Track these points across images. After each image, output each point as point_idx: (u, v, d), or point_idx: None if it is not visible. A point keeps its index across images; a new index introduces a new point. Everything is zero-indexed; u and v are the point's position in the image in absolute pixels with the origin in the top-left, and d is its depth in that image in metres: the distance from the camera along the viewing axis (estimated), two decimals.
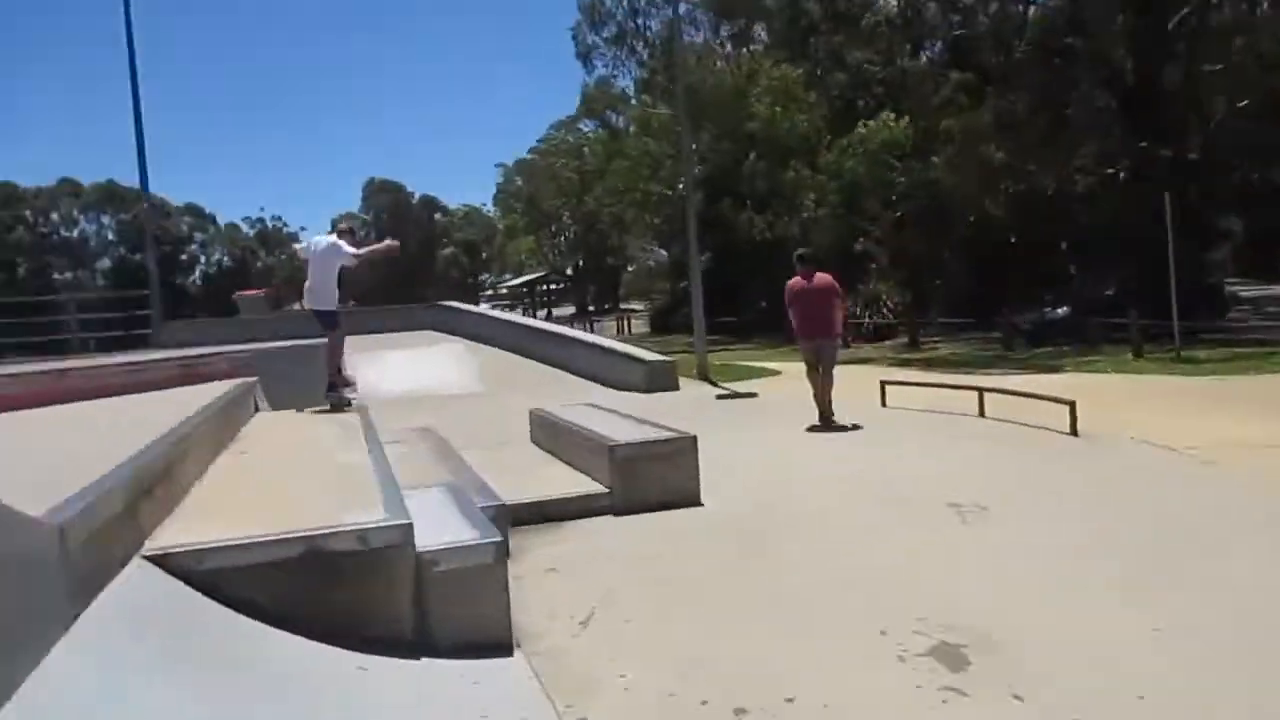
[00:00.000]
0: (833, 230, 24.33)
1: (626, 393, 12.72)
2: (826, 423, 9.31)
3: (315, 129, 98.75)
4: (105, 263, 76.66)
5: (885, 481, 6.72)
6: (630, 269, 65.54)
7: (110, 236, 76.73)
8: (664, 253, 44.35)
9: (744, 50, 37.42)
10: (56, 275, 74.26)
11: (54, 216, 77.42)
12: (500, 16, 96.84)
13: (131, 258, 73.15)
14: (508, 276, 71.21)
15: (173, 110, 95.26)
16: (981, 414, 9.37)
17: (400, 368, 13.95)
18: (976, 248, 23.71)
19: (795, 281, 9.79)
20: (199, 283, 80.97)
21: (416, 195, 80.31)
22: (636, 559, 5.15)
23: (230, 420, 6.80)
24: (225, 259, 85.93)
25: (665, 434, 6.36)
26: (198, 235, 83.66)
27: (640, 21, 42.40)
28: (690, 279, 15.57)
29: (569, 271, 61.53)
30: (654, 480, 6.14)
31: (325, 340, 9.78)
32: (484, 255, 79.00)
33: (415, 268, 73.28)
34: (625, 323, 42.15)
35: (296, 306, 9.42)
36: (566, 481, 6.53)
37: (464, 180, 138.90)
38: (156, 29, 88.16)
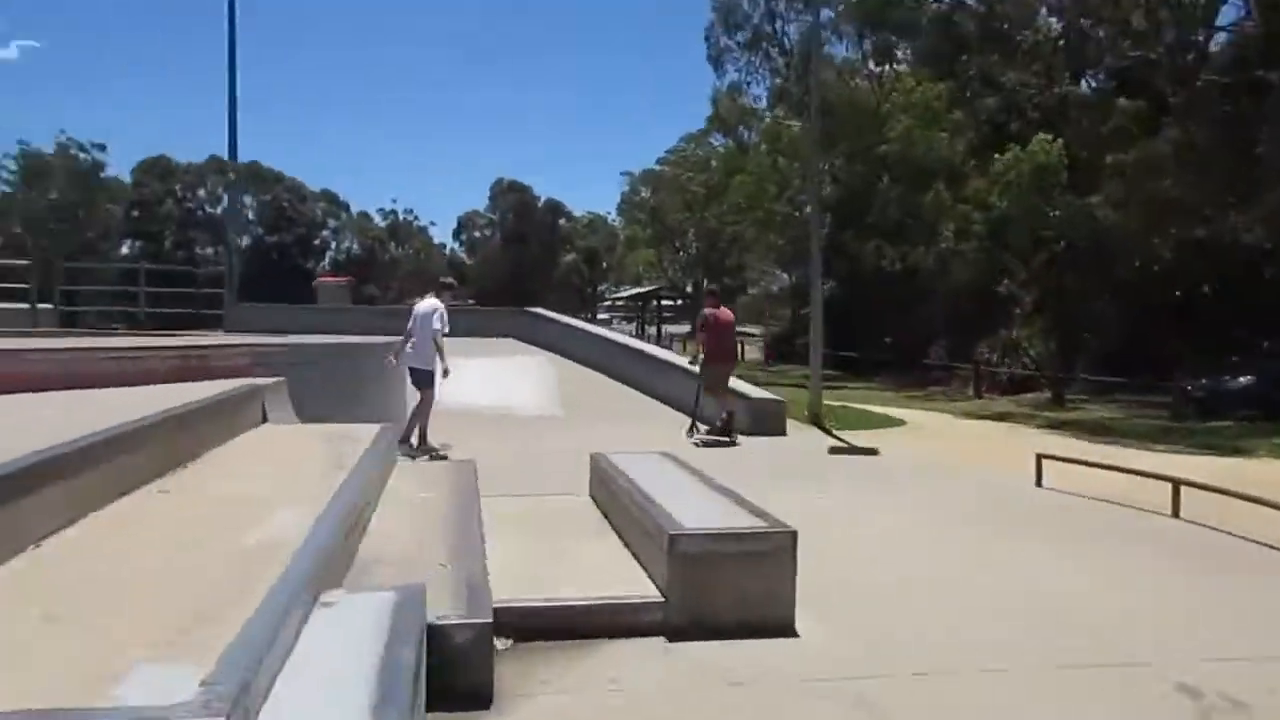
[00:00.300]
0: (974, 265, 21.88)
1: (701, 427, 10.84)
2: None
3: (448, 126, 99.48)
4: (246, 240, 78.79)
5: (1064, 623, 4.63)
6: (749, 291, 63.42)
7: (250, 216, 78.71)
8: (785, 276, 42.14)
9: (886, 67, 35.01)
10: (199, 250, 76.46)
11: (200, 193, 79.86)
12: (633, 18, 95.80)
13: (267, 239, 74.94)
14: (624, 287, 69.98)
15: (310, 97, 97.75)
16: (1175, 513, 7.15)
17: (469, 378, 12.37)
18: (1137, 297, 20.94)
19: (724, 313, 11.40)
20: (327, 268, 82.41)
21: (542, 199, 79.99)
22: None
23: (188, 437, 5.22)
24: (355, 247, 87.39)
25: (753, 524, 4.48)
26: (330, 221, 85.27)
27: (778, 26, 40.19)
28: (811, 309, 13.63)
29: (688, 289, 59.76)
30: (729, 589, 4.27)
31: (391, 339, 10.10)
32: (604, 264, 78.00)
33: (537, 271, 72.89)
34: (740, 348, 40.15)
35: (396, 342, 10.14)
36: (609, 573, 4.71)
37: (589, 187, 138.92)
38: (300, 16, 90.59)
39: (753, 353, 40.23)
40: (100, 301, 16.54)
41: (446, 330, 9.81)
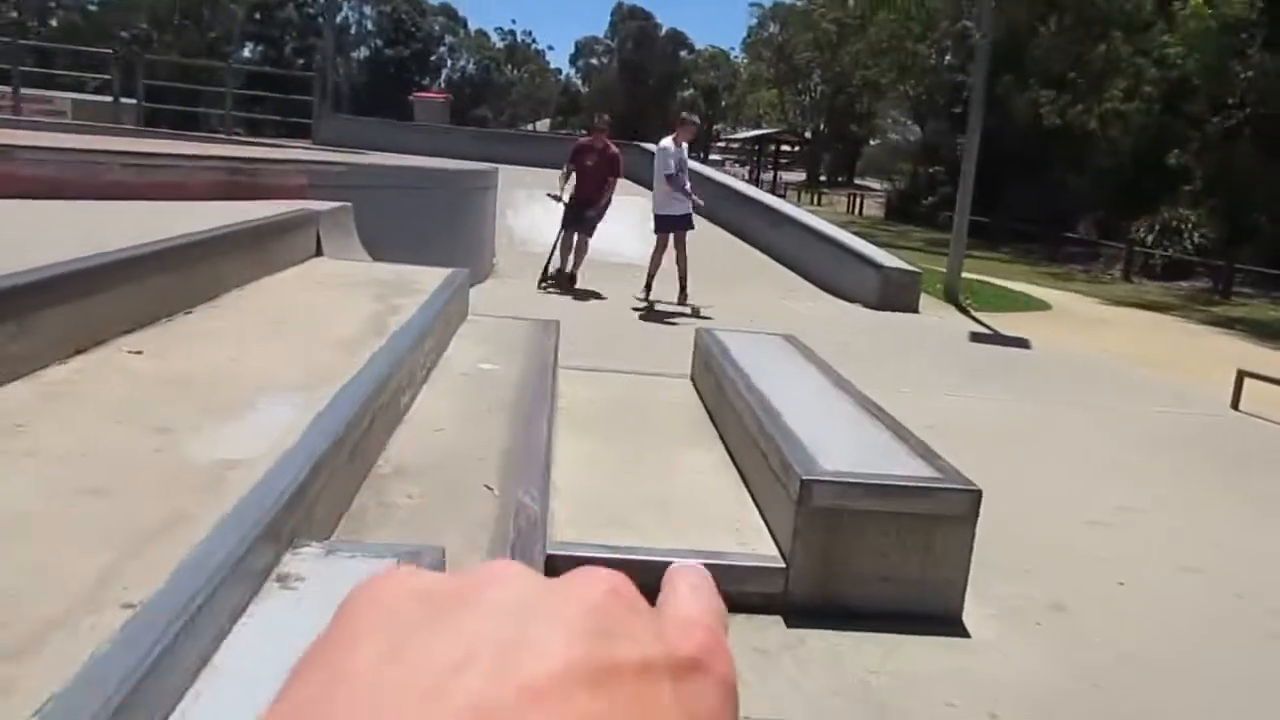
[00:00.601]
0: (1142, 131, 19.27)
1: (849, 305, 9.46)
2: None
3: None
4: (364, 51, 77.54)
5: None
6: (873, 142, 59.93)
7: (369, 27, 77.06)
8: (916, 129, 39.23)
9: None
10: (319, 58, 75.58)
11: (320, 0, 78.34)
12: None
13: (385, 52, 73.71)
14: (742, 129, 67.09)
15: None
16: None
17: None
18: None
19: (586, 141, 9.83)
20: (442, 86, 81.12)
21: (664, 28, 76.58)
22: None
23: (199, 274, 4.15)
24: (470, 66, 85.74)
25: (921, 473, 3.21)
26: (448, 38, 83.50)
27: None
28: (963, 167, 11.79)
29: (807, 134, 56.54)
30: (877, 560, 3.07)
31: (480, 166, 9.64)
32: (723, 103, 74.75)
33: (652, 105, 70.34)
34: (858, 202, 37.69)
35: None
36: (713, 511, 3.54)
37: (715, 20, 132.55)
38: None
39: (871, 208, 37.95)
40: (189, 101, 15.58)
41: (670, 172, 9.03)
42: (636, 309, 9.02)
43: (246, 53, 74.28)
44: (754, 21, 62.27)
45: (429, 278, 5.47)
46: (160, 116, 14.32)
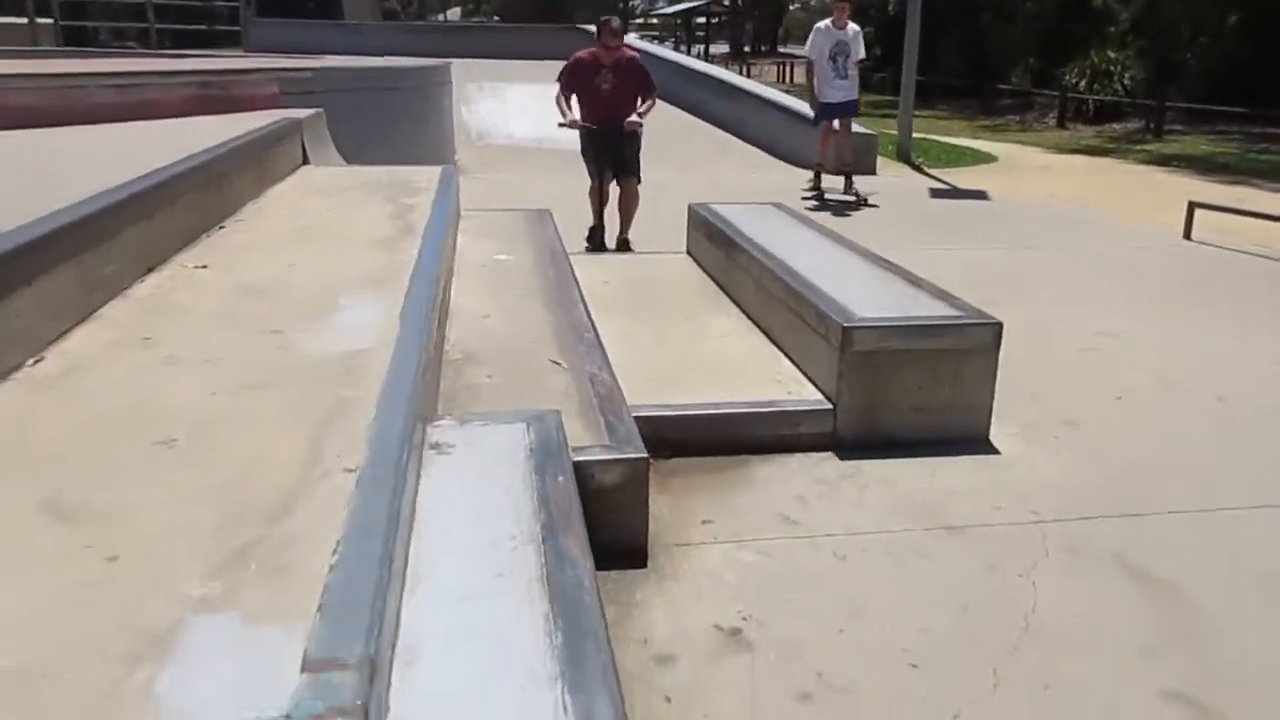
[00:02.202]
0: None
1: (808, 171, 9.67)
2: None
3: None
4: None
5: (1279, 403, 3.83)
6: (793, 6, 59.00)
7: None
8: None
9: None
10: None
11: None
12: None
13: None
14: (660, 3, 65.45)
15: None
16: None
17: (523, 108, 11.10)
18: (1248, 10, 18.56)
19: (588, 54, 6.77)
20: None
21: None
22: (902, 586, 2.51)
23: (222, 190, 4.25)
24: None
25: (945, 312, 3.52)
26: None
27: None
28: (907, 27, 11.90)
29: (724, 2, 55.40)
30: (914, 393, 3.39)
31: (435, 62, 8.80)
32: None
33: None
34: (787, 70, 37.34)
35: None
36: (747, 365, 3.84)
37: None
38: None
39: (801, 76, 37.71)
40: (104, 16, 14.95)
41: (816, 57, 8.71)
42: (805, 199, 8.76)
43: None
44: None
45: (424, 176, 5.59)
46: (78, 35, 13.73)
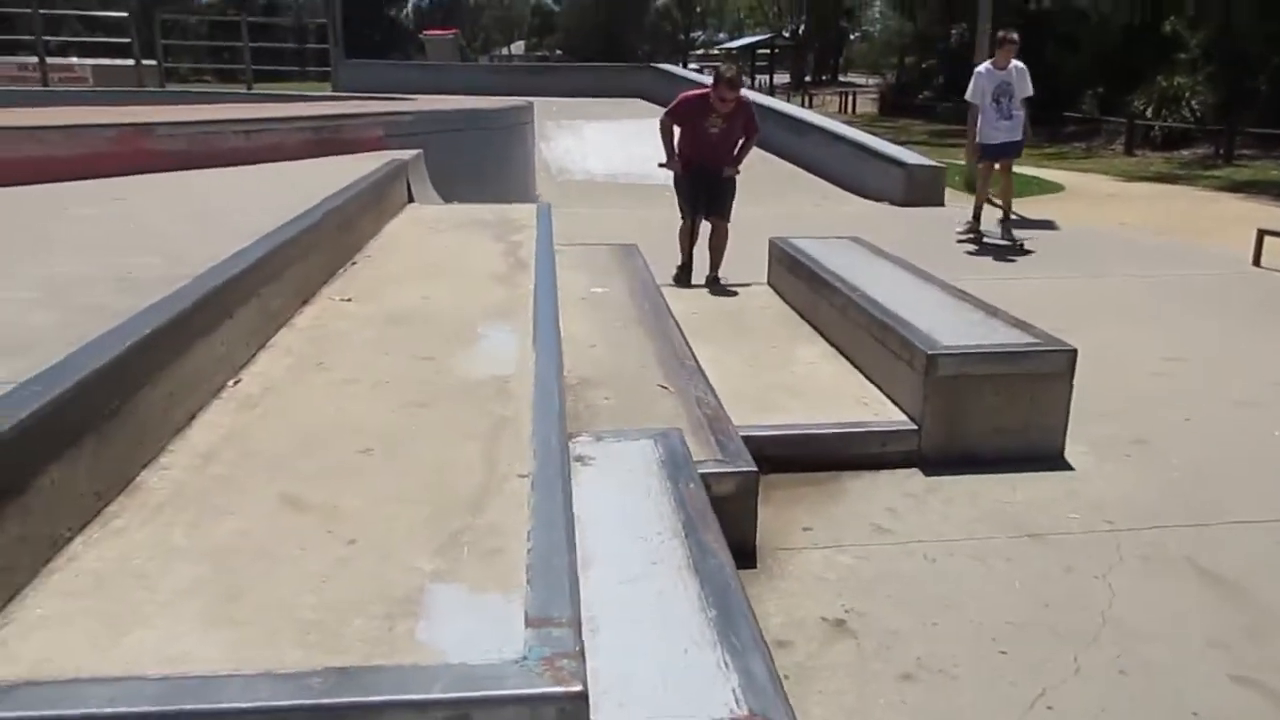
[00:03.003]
0: (1130, 4, 19.45)
1: (877, 204, 9.97)
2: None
3: None
4: None
5: None
6: (854, 36, 59.29)
7: None
8: (903, 20, 38.95)
9: None
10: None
11: None
12: None
13: None
14: (722, 36, 66.19)
15: None
16: None
17: (600, 144, 11.58)
18: None
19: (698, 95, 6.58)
20: (410, 16, 79.85)
21: None
22: (986, 592, 2.79)
23: (351, 229, 4.70)
24: None
25: (1023, 340, 3.80)
26: None
27: None
28: (975, 53, 12.13)
29: (785, 34, 55.84)
30: (993, 415, 3.68)
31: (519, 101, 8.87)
32: (698, 9, 73.64)
33: (625, 18, 69.30)
34: (850, 100, 37.67)
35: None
36: (837, 391, 4.14)
37: None
38: None
39: (864, 105, 37.93)
40: (200, 56, 15.79)
41: (978, 101, 8.33)
42: (961, 241, 8.52)
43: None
44: None
45: (524, 213, 6.00)
46: (179, 76, 14.56)
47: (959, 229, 8.71)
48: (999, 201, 8.81)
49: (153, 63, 13.92)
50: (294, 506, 2.06)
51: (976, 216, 8.70)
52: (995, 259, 7.99)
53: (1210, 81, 19.69)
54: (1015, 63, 8.31)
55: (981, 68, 8.50)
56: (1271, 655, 2.52)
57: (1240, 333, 5.65)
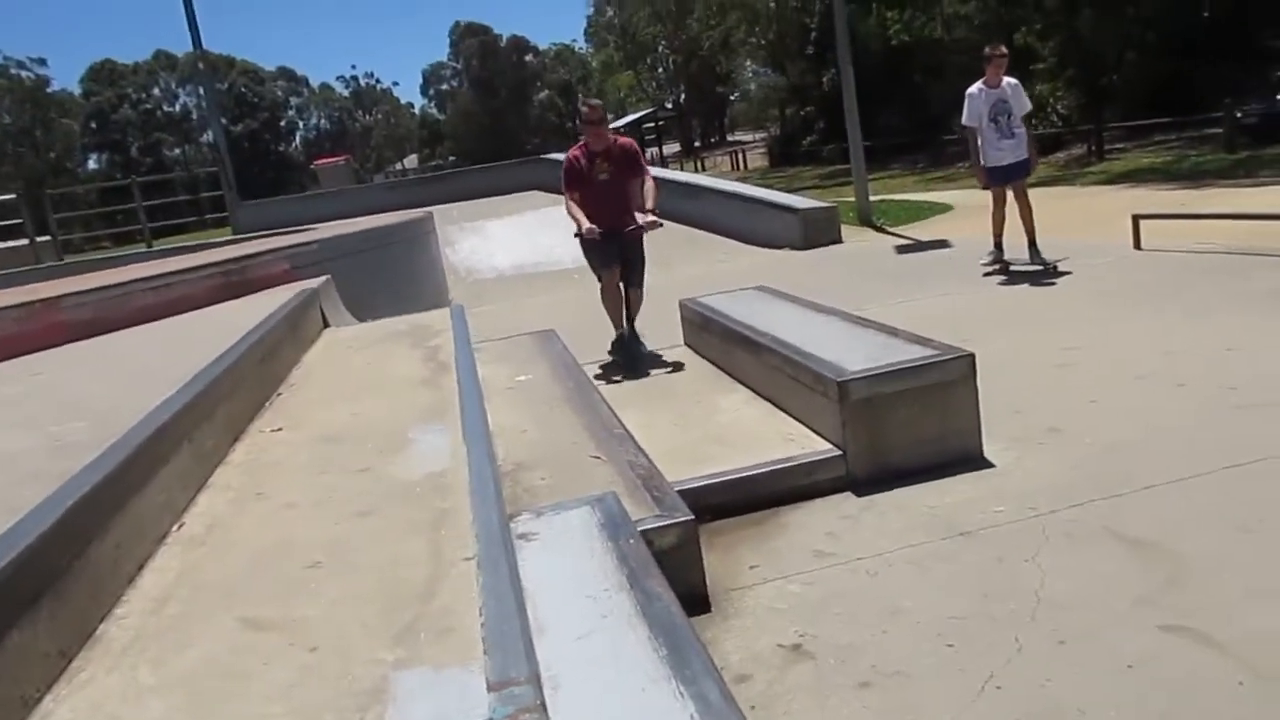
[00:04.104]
0: (983, 26, 20.58)
1: (778, 251, 10.33)
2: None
3: None
4: (209, 135, 76.11)
5: (1231, 382, 4.33)
6: (733, 97, 61.17)
7: (207, 108, 75.79)
8: (778, 75, 40.44)
9: None
10: (166, 152, 74.32)
11: (155, 92, 76.97)
12: None
13: (233, 129, 72.57)
14: (609, 117, 67.67)
15: None
16: None
17: (504, 239, 11.82)
18: (1161, 26, 19.65)
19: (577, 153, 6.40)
20: (299, 149, 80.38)
21: (504, 37, 76.92)
22: (952, 609, 2.94)
23: (274, 361, 4.78)
24: (324, 122, 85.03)
25: (923, 354, 4.03)
26: (293, 100, 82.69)
27: None
28: (845, 99, 12.71)
29: (667, 105, 57.48)
30: (910, 427, 3.87)
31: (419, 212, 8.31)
32: (580, 95, 75.42)
33: (508, 114, 70.65)
34: (739, 158, 38.84)
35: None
36: (764, 432, 4.32)
37: (553, 17, 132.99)
38: None
39: (755, 160, 39.10)
40: (92, 224, 15.77)
41: (974, 124, 7.82)
42: (988, 274, 7.92)
43: (92, 164, 72.76)
44: (591, 10, 62.96)
45: (437, 318, 6.14)
46: (74, 246, 14.49)
47: (983, 262, 8.12)
48: (1018, 228, 8.09)
49: (47, 238, 13.87)
50: (253, 627, 2.14)
51: (998, 245, 8.13)
52: (1009, 282, 7.67)
53: (1069, 85, 20.81)
54: (1007, 79, 7.87)
55: (973, 89, 7.95)
56: (1192, 600, 2.70)
57: (1129, 313, 6.00)
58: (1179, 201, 9.85)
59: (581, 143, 6.42)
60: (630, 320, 6.41)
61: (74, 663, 2.05)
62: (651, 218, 6.11)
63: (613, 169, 6.23)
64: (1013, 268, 7.90)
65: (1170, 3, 19.31)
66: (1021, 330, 5.92)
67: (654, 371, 5.84)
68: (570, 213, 6.26)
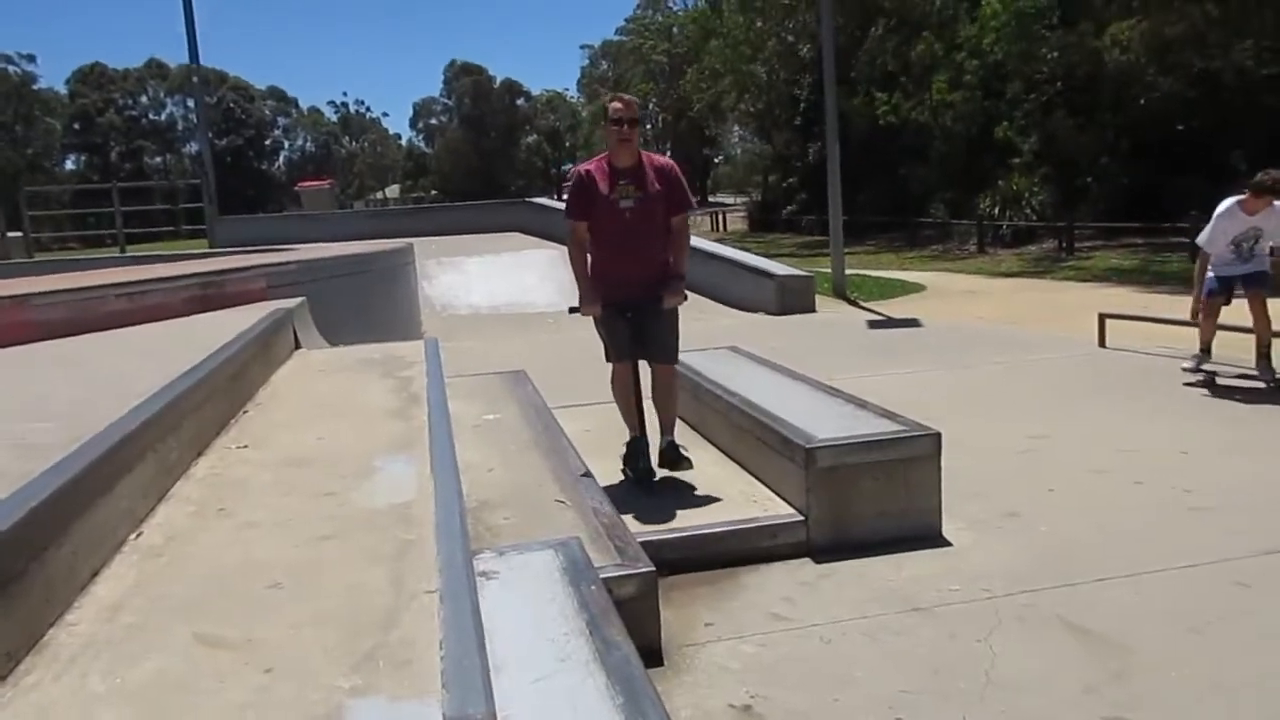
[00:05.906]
0: (971, 117, 21.16)
1: (752, 315, 10.43)
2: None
3: (397, 8, 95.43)
4: (192, 147, 75.71)
5: (1186, 484, 4.43)
6: (718, 160, 62.09)
7: (196, 120, 75.60)
8: (765, 143, 41.16)
9: None
10: (148, 160, 73.98)
11: (143, 99, 76.79)
12: None
13: (218, 142, 72.35)
14: None
15: None
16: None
17: (482, 277, 11.85)
18: (1136, 134, 20.31)
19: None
20: (283, 169, 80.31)
21: (498, 80, 77.71)
22: (892, 685, 2.96)
23: (243, 379, 4.75)
24: (309, 144, 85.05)
25: (891, 428, 4.09)
26: (281, 120, 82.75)
27: None
28: (829, 174, 12.99)
29: None
30: (872, 500, 3.92)
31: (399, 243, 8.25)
32: (568, 144, 76.21)
33: (496, 156, 71.15)
34: (720, 219, 39.32)
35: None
36: (728, 491, 4.34)
37: (548, 64, 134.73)
38: None
39: (734, 223, 39.57)
40: (62, 224, 15.62)
41: (1217, 250, 6.48)
42: (1190, 384, 6.68)
43: (70, 165, 72.28)
44: (586, 61, 63.96)
45: (411, 350, 6.14)
46: (41, 245, 14.33)
47: (1186, 366, 6.87)
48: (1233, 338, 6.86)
49: (18, 234, 13.71)
50: (208, 644, 2.11)
51: (1206, 350, 6.81)
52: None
53: (1045, 182, 21.36)
54: (1277, 204, 6.36)
55: (1224, 207, 6.53)
56: (1136, 693, 2.74)
57: (1091, 408, 6.12)
58: (1143, 304, 10.10)
59: (601, 157, 4.60)
60: (666, 423, 4.74)
61: (21, 666, 2.02)
62: (677, 287, 4.51)
63: (641, 196, 4.42)
64: (1218, 379, 6.73)
65: (1146, 114, 19.96)
66: (988, 414, 6.02)
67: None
68: (575, 269, 4.61)
